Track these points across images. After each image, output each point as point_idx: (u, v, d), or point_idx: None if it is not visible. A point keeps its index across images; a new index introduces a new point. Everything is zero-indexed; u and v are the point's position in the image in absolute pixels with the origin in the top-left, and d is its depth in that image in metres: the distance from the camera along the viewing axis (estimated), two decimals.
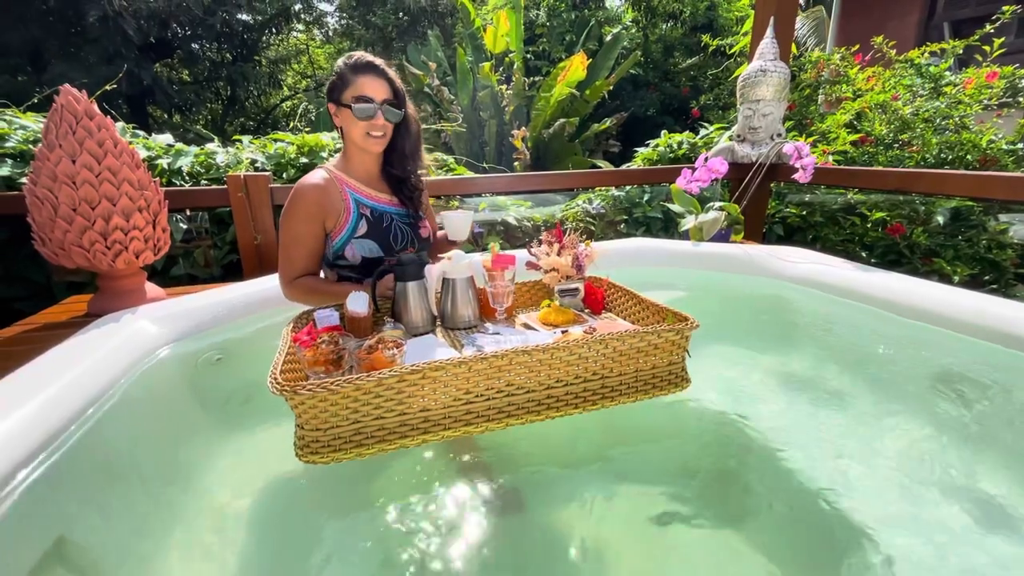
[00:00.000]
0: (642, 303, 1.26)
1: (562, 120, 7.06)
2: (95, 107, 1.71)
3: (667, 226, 3.57)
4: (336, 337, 0.97)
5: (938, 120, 3.47)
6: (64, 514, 0.97)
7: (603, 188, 3.72)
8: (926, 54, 3.68)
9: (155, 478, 1.15)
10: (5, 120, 2.67)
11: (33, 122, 2.74)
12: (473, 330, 1.28)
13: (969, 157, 3.31)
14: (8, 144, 2.54)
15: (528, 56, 8.67)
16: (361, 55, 1.34)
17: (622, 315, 1.34)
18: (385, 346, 0.94)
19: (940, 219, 3.15)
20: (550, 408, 1.00)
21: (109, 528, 0.98)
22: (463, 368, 0.89)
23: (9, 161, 2.50)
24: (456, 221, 1.46)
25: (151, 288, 1.97)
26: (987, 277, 3.02)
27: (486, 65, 7.07)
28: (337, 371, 0.95)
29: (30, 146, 2.58)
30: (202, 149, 2.97)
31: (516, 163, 6.55)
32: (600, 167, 7.15)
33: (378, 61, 1.35)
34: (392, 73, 1.37)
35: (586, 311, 1.39)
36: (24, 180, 2.42)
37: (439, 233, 1.66)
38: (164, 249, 1.93)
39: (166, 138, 3.03)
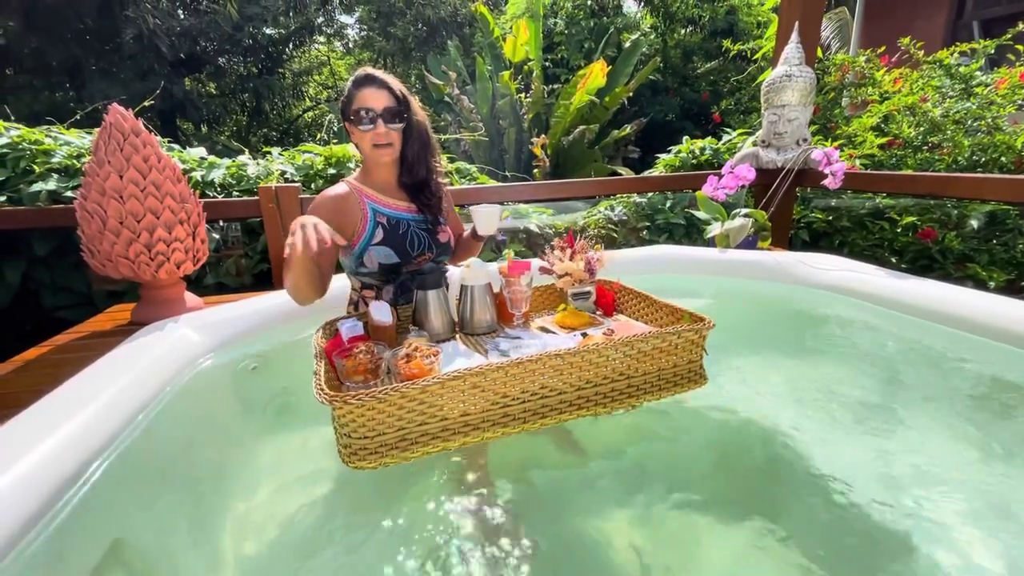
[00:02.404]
0: (654, 304, 1.30)
1: (581, 127, 7.08)
2: (141, 124, 1.79)
3: (690, 232, 3.55)
4: (372, 347, 1.00)
5: (969, 121, 3.39)
6: (121, 517, 1.02)
7: (625, 195, 3.72)
8: (955, 54, 3.60)
9: (200, 483, 1.20)
10: (51, 136, 2.80)
11: (77, 138, 2.86)
12: (492, 335, 1.31)
13: (1004, 159, 3.22)
14: (54, 160, 2.67)
15: (547, 64, 8.74)
16: (361, 70, 1.37)
17: (633, 316, 1.38)
18: (423, 354, 0.96)
19: (975, 223, 3.07)
20: (580, 408, 1.04)
21: (161, 530, 1.02)
22: (500, 373, 0.92)
23: (55, 176, 2.62)
24: (484, 215, 1.48)
25: (190, 297, 2.04)
26: None
27: (505, 74, 7.14)
28: (374, 379, 0.98)
29: (74, 161, 2.70)
30: (234, 161, 3.07)
31: (536, 170, 6.59)
32: (620, 173, 7.14)
33: (376, 73, 1.36)
34: (393, 82, 1.37)
35: (598, 313, 1.42)
36: (69, 193, 2.54)
37: (465, 234, 1.68)
38: (202, 260, 2.00)
39: (199, 151, 3.14)
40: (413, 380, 0.89)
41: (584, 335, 1.22)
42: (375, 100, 1.33)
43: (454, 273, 1.34)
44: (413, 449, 0.90)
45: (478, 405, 0.94)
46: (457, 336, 1.31)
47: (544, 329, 1.31)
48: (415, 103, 1.42)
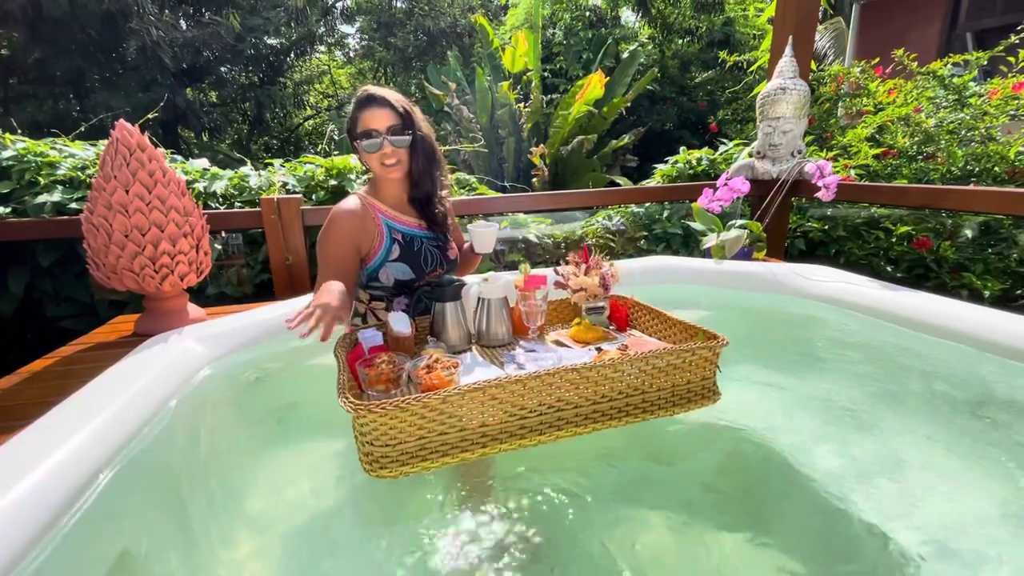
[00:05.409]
0: (667, 321, 1.31)
1: (580, 137, 7.14)
2: (147, 139, 1.82)
3: (687, 242, 3.58)
4: (394, 357, 1.03)
5: (963, 132, 3.43)
6: (128, 528, 1.04)
7: (623, 205, 3.76)
8: (948, 65, 3.65)
9: (206, 493, 1.22)
10: (56, 148, 2.84)
11: (81, 150, 2.90)
12: (508, 347, 1.33)
13: (997, 169, 3.26)
14: (59, 172, 2.70)
15: (545, 75, 8.82)
16: (363, 90, 1.38)
17: (647, 332, 1.40)
18: (443, 366, 0.99)
19: (968, 233, 3.10)
20: (595, 422, 1.06)
21: (168, 540, 1.04)
22: (518, 385, 0.95)
23: (59, 188, 2.65)
24: (482, 235, 1.51)
25: (192, 308, 2.07)
26: (1019, 291, 2.95)
27: (504, 84, 7.21)
28: (395, 389, 1.01)
29: (79, 173, 2.73)
30: (236, 173, 3.11)
31: (535, 179, 6.64)
32: (618, 182, 7.19)
33: (378, 92, 1.36)
34: (394, 98, 1.37)
35: (612, 327, 1.44)
36: (73, 205, 2.57)
37: (464, 247, 1.71)
38: (205, 272, 2.03)
39: (202, 163, 3.17)
40: (434, 391, 0.91)
41: (599, 350, 1.25)
42: (378, 120, 1.35)
43: (471, 286, 1.36)
44: (432, 459, 0.93)
45: (496, 417, 0.96)
46: (473, 348, 1.34)
47: (559, 343, 1.34)
48: (418, 115, 1.43)
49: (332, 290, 1.14)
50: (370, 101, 1.36)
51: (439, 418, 0.91)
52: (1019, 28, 3.59)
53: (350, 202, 1.43)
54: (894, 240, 3.29)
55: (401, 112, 1.37)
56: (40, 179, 2.63)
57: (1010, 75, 3.37)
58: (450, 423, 0.93)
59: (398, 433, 0.89)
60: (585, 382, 1.01)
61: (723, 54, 5.55)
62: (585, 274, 1.42)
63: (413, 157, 1.43)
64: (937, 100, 3.60)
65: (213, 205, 2.91)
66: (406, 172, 1.45)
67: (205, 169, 3.09)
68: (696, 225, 2.92)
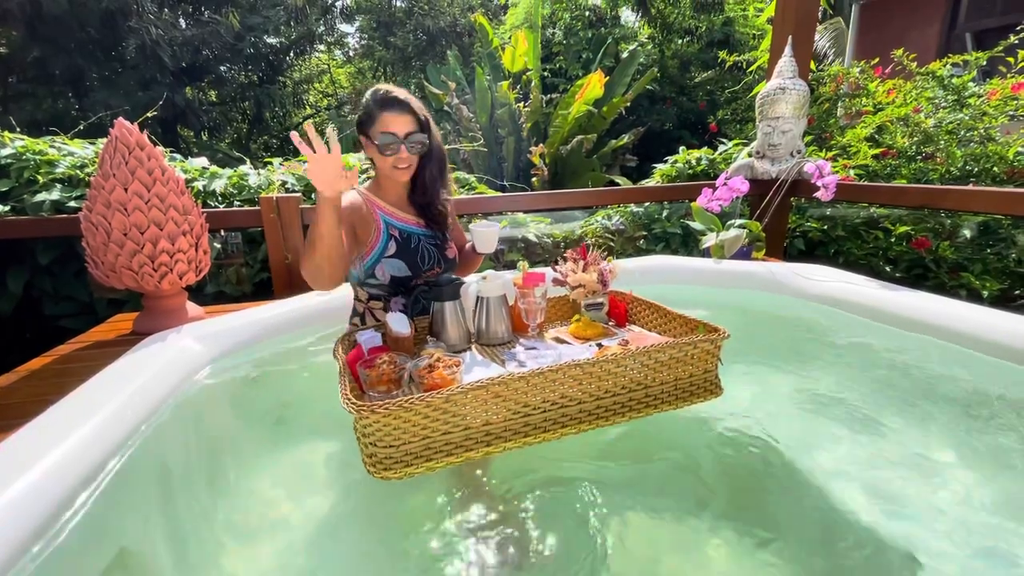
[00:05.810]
0: (667, 315, 1.32)
1: (579, 136, 7.14)
2: (146, 138, 1.82)
3: (686, 241, 3.58)
4: (395, 358, 1.03)
5: (962, 132, 3.43)
6: (126, 526, 1.04)
7: (622, 204, 3.76)
8: (948, 66, 3.65)
9: (203, 492, 1.22)
10: (55, 147, 2.83)
11: (80, 148, 2.90)
12: (508, 345, 1.33)
13: (996, 169, 3.27)
14: (58, 170, 2.70)
15: (545, 74, 8.82)
16: (386, 90, 1.38)
17: (646, 327, 1.40)
18: (445, 365, 0.99)
19: (967, 233, 3.10)
20: (599, 418, 1.05)
21: (166, 539, 1.04)
22: (522, 382, 0.95)
23: (59, 186, 2.65)
24: (484, 234, 1.52)
25: (191, 307, 2.07)
26: (1018, 291, 2.96)
27: (504, 84, 7.21)
28: (397, 389, 1.01)
29: (78, 171, 2.73)
30: (235, 171, 3.10)
31: (534, 179, 6.64)
32: (617, 182, 7.19)
33: (401, 94, 1.37)
34: (416, 104, 1.39)
35: (611, 323, 1.44)
36: (72, 203, 2.57)
37: (467, 246, 1.71)
38: (204, 270, 2.03)
39: (201, 161, 3.17)
40: (437, 390, 0.91)
41: (599, 346, 1.25)
42: (399, 124, 1.35)
43: (470, 284, 1.36)
44: (437, 459, 0.92)
45: (500, 415, 0.96)
46: (473, 346, 1.34)
47: (559, 340, 1.34)
48: (432, 123, 1.44)
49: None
50: (393, 103, 1.36)
51: (443, 417, 0.91)
52: (1019, 28, 3.59)
53: (348, 195, 1.44)
54: (893, 240, 3.29)
55: (422, 120, 1.39)
56: (39, 177, 2.62)
57: (1009, 75, 3.38)
58: (454, 422, 0.92)
59: (402, 434, 0.89)
60: (588, 377, 1.01)
61: (723, 54, 5.55)
62: (583, 270, 1.43)
63: (426, 165, 1.45)
64: (936, 100, 3.60)
65: (212, 204, 2.90)
66: (413, 174, 1.46)
67: (204, 168, 3.09)
68: (695, 225, 2.92)
